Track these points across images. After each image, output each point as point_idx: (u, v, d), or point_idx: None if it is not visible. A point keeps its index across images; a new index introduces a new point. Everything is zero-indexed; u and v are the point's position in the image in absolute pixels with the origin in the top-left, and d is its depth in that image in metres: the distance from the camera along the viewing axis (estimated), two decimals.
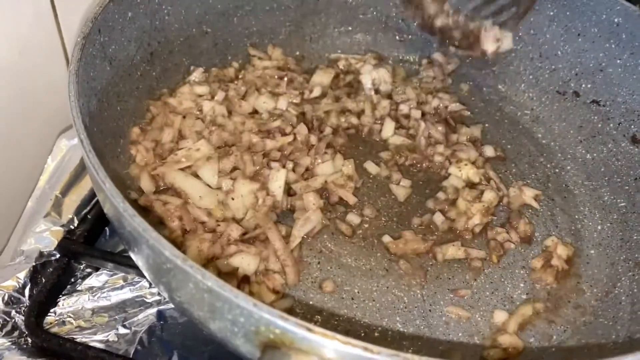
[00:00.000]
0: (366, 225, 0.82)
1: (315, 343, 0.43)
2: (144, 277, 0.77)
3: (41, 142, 0.90)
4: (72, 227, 0.82)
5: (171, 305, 0.76)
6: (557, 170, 0.93)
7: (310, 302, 0.73)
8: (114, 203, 0.51)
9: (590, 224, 0.86)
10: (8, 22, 0.79)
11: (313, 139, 0.87)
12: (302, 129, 0.87)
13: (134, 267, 0.74)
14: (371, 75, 0.99)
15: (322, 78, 0.98)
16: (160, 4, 0.85)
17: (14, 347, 0.71)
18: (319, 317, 0.71)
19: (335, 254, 0.78)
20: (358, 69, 1.01)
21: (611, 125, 0.92)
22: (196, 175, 0.78)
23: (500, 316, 0.74)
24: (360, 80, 0.99)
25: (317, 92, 0.95)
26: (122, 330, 0.75)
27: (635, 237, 0.82)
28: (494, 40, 0.91)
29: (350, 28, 1.07)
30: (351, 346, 0.42)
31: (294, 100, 0.93)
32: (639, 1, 0.94)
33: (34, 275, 0.77)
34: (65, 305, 0.77)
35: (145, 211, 0.73)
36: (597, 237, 0.84)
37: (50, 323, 0.75)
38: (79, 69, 0.64)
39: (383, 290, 0.75)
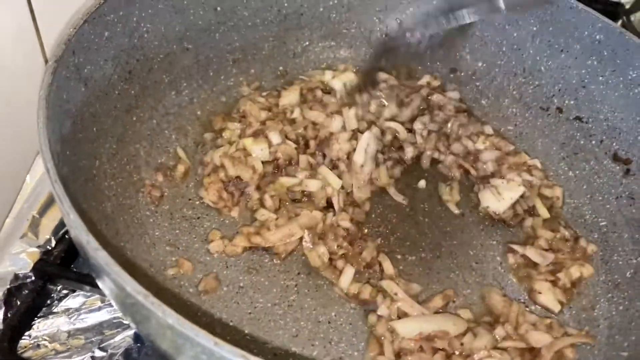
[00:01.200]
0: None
1: None
2: None
3: (20, 161, 0.89)
4: (49, 247, 0.81)
5: None
6: None
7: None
8: (77, 234, 0.51)
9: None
10: None
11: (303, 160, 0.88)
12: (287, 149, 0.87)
13: None
14: (340, 79, 0.98)
15: (289, 99, 0.96)
16: (138, 22, 0.84)
17: None
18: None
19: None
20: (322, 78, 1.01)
21: (593, 142, 0.92)
22: None
23: None
24: (333, 87, 0.99)
25: (297, 112, 0.94)
26: (98, 353, 0.75)
27: (615, 258, 0.82)
28: None
29: (333, 43, 1.07)
30: None
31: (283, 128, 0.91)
32: (621, 18, 0.94)
33: (9, 298, 0.76)
34: (41, 327, 0.76)
35: None
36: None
37: (25, 347, 0.74)
38: (50, 93, 0.63)
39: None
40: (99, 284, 0.58)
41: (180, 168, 0.87)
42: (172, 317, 0.45)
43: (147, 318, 0.48)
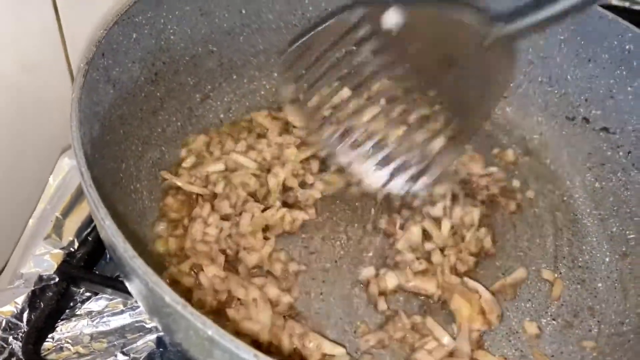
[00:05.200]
0: None
1: None
2: None
3: (43, 161, 0.89)
4: (72, 249, 0.81)
5: None
6: (565, 199, 0.92)
7: None
8: (113, 241, 0.50)
9: (599, 255, 0.85)
10: (12, 36, 0.78)
11: None
12: None
13: None
14: None
15: None
16: (165, 24, 0.84)
17: None
18: None
19: None
20: None
21: (621, 153, 0.91)
22: None
23: None
24: None
25: None
26: (120, 357, 0.74)
27: None
28: None
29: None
30: None
31: None
32: None
33: (33, 300, 0.75)
34: (64, 330, 0.76)
35: None
36: (605, 269, 0.83)
37: (48, 349, 0.74)
38: (81, 96, 0.63)
39: None
40: (129, 285, 0.58)
41: None
42: (212, 329, 0.44)
43: (183, 327, 0.48)
